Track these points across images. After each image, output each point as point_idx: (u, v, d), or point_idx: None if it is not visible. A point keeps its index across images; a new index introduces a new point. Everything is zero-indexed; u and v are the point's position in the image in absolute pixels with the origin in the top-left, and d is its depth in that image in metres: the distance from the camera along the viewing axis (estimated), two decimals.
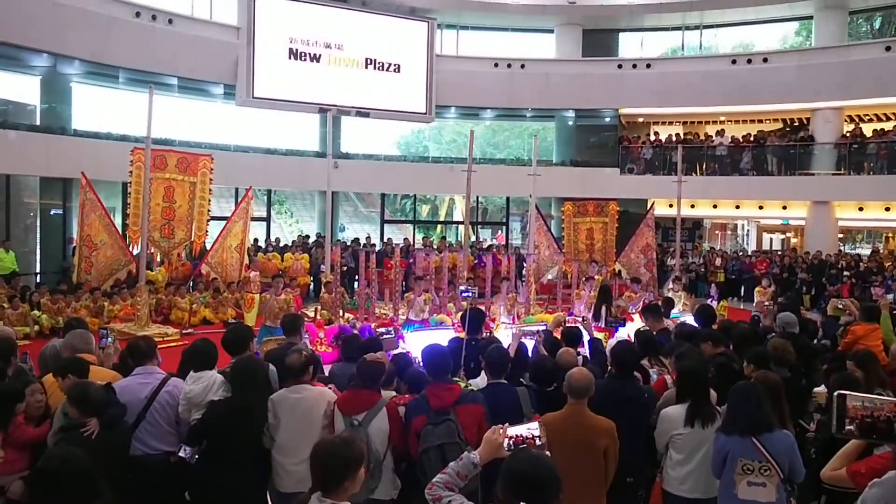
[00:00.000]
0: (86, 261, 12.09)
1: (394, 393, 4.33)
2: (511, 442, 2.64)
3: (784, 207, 20.93)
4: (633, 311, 10.18)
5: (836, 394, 2.90)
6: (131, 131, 15.75)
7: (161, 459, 4.05)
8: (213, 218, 14.04)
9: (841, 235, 21.54)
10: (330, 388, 4.27)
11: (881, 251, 20.34)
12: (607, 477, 3.92)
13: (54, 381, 3.98)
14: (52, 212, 16.58)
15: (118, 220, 14.39)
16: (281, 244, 18.13)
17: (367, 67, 19.94)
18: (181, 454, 4.00)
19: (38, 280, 14.54)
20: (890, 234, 22.51)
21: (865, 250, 21.82)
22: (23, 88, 16.41)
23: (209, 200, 13.39)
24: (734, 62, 20.27)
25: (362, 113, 19.92)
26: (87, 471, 2.75)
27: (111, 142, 16.02)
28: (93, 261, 12.14)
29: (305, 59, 19.15)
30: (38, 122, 16.35)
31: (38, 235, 16.11)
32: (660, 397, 4.64)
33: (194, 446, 4.01)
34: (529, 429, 2.69)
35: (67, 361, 4.16)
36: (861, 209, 19.91)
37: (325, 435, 3.71)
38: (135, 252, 12.32)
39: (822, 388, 4.83)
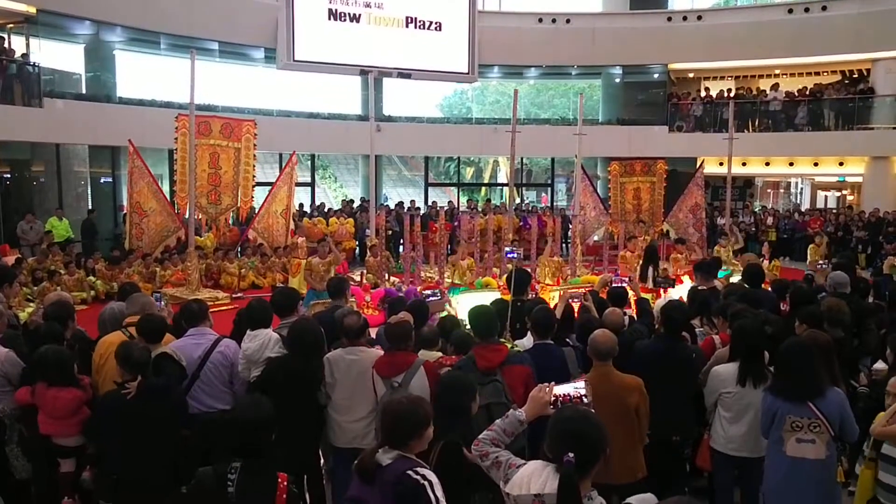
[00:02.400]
0: (137, 227, 12.36)
1: (439, 353, 4.34)
2: (557, 400, 2.64)
3: (840, 164, 20.11)
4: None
5: None
6: (175, 98, 15.94)
7: (216, 417, 4.14)
8: (259, 184, 14.19)
9: None
10: (380, 350, 4.30)
11: None
12: (641, 434, 3.94)
13: (112, 343, 4.09)
14: (102, 180, 17.00)
15: (165, 187, 14.67)
16: (326, 209, 18.28)
17: (407, 26, 19.63)
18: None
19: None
20: None
21: None
22: (67, 57, 16.64)
23: (254, 166, 13.52)
24: (791, 11, 19.30)
25: (404, 74, 19.71)
26: None
27: (156, 109, 16.22)
28: (143, 227, 12.41)
29: (345, 20, 18.97)
30: (83, 91, 16.65)
31: (90, 203, 16.54)
32: (707, 358, 4.60)
33: None
34: (576, 387, 2.69)
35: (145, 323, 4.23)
36: None
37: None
38: (183, 218, 12.58)
39: (883, 366, 4.59)
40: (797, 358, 3.67)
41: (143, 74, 18.24)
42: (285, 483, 2.68)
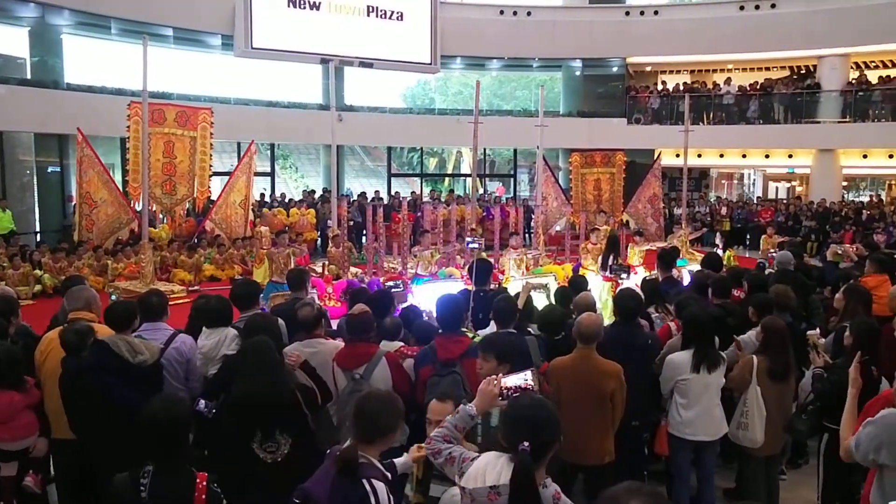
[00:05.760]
0: (86, 219, 11.99)
1: (401, 344, 4.33)
2: (507, 392, 2.66)
3: (790, 156, 20.79)
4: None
5: None
6: (127, 85, 15.45)
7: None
8: (216, 173, 13.89)
9: (845, 183, 21.50)
10: (341, 342, 4.26)
11: (883, 199, 20.34)
12: (614, 419, 4.00)
13: (54, 339, 3.93)
14: (49, 169, 16.40)
15: (117, 177, 14.26)
16: (286, 200, 18.03)
17: (368, 15, 19.41)
18: (198, 408, 4.01)
19: (37, 239, 14.49)
20: (893, 181, 22.39)
21: (867, 198, 21.79)
22: (11, 41, 15.94)
23: (210, 155, 13.22)
24: (742, 8, 19.78)
25: (365, 64, 19.50)
26: None
27: (106, 96, 15.66)
28: (94, 219, 12.04)
29: (305, 7, 18.64)
30: (28, 76, 15.97)
31: (36, 194, 15.92)
32: (663, 344, 4.71)
33: (212, 400, 4.02)
34: (524, 378, 2.71)
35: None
36: (865, 157, 19.82)
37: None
38: (136, 209, 12.24)
39: (815, 332, 4.82)
40: None
41: (92, 60, 17.60)
42: (204, 483, 2.60)
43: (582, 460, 3.92)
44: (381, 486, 2.49)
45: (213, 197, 13.88)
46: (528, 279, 7.52)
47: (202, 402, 3.95)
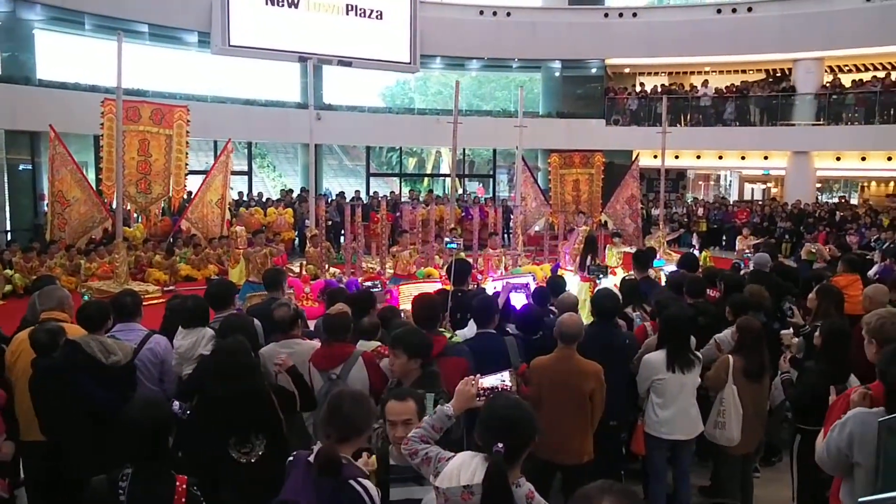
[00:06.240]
0: (59, 217, 11.77)
1: (378, 343, 4.30)
2: (484, 392, 2.66)
3: (765, 158, 21.07)
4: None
5: None
6: (101, 81, 15.19)
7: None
8: (192, 172, 13.72)
9: (819, 185, 21.82)
10: (318, 343, 4.21)
11: (855, 201, 20.73)
12: (594, 419, 4.01)
13: (25, 339, 3.84)
14: (21, 167, 16.07)
15: (91, 176, 14.04)
16: (264, 199, 17.87)
17: (347, 14, 19.34)
18: (172, 409, 3.95)
19: (8, 238, 14.18)
20: (865, 183, 22.79)
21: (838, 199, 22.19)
22: None
23: (186, 154, 13.04)
24: (719, 11, 20.08)
25: (344, 62, 19.41)
26: None
27: (80, 93, 15.44)
28: (66, 217, 11.83)
29: (283, 5, 18.51)
30: None
31: (7, 192, 15.59)
32: (640, 344, 4.74)
33: (186, 402, 3.95)
34: (502, 378, 2.71)
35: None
36: (838, 159, 20.13)
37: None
38: (110, 208, 12.04)
39: (789, 331, 4.88)
40: None
41: (66, 56, 17.29)
42: (184, 486, 2.56)
43: (561, 459, 3.93)
44: (370, 485, 2.48)
45: (190, 196, 13.71)
46: (507, 278, 7.53)
47: (176, 403, 3.90)
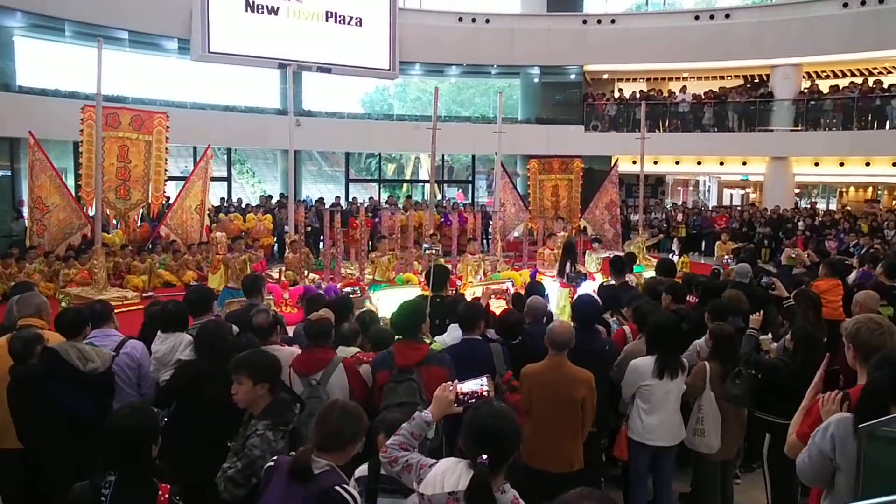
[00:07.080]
0: (38, 224, 11.67)
1: (357, 349, 4.31)
2: (462, 397, 2.64)
3: (744, 163, 21.30)
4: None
5: None
6: (81, 88, 15.05)
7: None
8: (171, 178, 13.67)
9: (798, 190, 22.08)
10: (297, 349, 4.23)
11: (836, 205, 20.92)
12: (584, 426, 4.01)
13: (3, 346, 3.81)
14: (0, 173, 15.89)
15: (70, 182, 13.90)
16: (243, 205, 17.78)
17: (327, 21, 19.34)
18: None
19: None
20: (844, 189, 23.13)
21: (821, 204, 22.41)
22: None
23: (166, 160, 13.01)
24: (697, 18, 20.33)
25: (324, 69, 19.40)
26: None
27: (60, 99, 15.33)
28: (45, 224, 11.73)
29: (263, 12, 18.47)
30: None
31: None
32: (619, 349, 4.75)
33: (164, 408, 3.94)
34: (479, 384, 2.68)
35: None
36: (817, 164, 20.39)
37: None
38: (89, 214, 11.94)
39: (767, 336, 4.96)
40: None
41: (45, 62, 17.12)
42: (166, 495, 2.56)
43: (551, 467, 3.90)
44: (354, 492, 2.48)
45: (168, 202, 13.62)
46: (487, 284, 7.58)
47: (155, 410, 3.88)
